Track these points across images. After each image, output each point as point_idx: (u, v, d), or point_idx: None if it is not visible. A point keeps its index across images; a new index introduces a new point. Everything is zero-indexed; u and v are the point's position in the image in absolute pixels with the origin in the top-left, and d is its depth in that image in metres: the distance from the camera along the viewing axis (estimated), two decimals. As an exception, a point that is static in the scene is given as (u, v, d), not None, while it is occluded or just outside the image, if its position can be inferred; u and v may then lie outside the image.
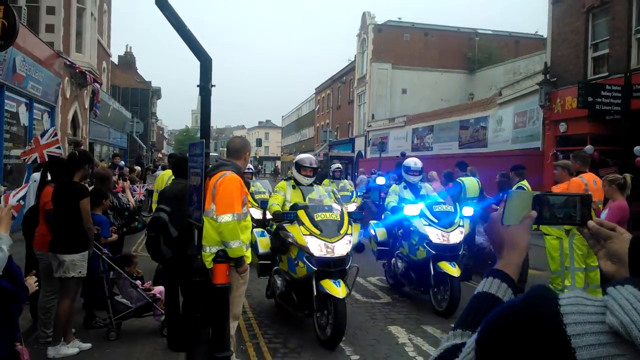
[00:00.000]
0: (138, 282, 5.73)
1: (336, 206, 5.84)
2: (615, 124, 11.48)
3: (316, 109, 50.67)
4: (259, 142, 49.86)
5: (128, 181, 11.49)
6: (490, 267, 1.09)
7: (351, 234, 5.57)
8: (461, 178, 9.13)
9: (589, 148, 12.70)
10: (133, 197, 13.55)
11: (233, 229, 4.16)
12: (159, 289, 5.84)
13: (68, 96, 16.32)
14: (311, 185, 6.21)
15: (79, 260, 4.91)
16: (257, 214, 8.44)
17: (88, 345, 5.09)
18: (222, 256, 4.24)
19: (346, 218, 5.69)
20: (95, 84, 18.22)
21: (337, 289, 5.07)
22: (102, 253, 5.49)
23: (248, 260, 4.44)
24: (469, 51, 34.26)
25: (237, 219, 4.19)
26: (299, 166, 6.21)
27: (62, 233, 4.92)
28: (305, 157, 6.46)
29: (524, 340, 0.70)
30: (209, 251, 4.30)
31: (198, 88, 4.56)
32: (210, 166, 4.48)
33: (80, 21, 16.95)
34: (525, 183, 7.91)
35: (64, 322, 4.95)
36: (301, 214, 5.53)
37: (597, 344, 0.64)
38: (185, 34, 4.49)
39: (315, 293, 5.26)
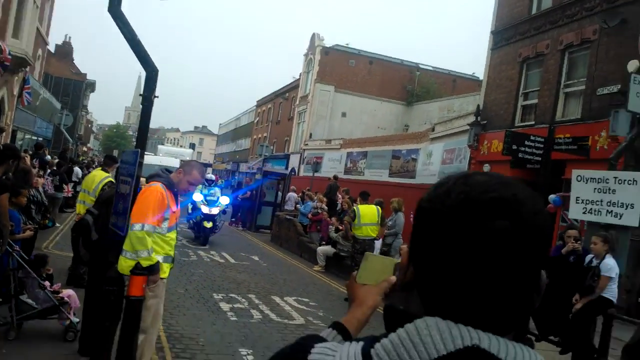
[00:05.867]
0: (47, 283, 5.46)
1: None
2: (534, 171, 12.27)
3: (255, 121, 50.49)
4: (192, 147, 48.87)
5: (43, 178, 11.10)
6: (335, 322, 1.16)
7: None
8: (358, 206, 10.36)
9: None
10: (63, 194, 13.18)
11: (141, 239, 4.08)
12: (67, 292, 5.59)
13: (-5, 80, 15.46)
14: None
15: (-13, 257, 4.64)
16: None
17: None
18: (140, 268, 4.14)
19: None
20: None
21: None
22: (13, 250, 5.22)
23: (164, 275, 4.35)
24: (409, 84, 35.45)
25: (147, 229, 4.12)
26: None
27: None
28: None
29: None
30: (127, 256, 4.20)
31: (140, 97, 4.49)
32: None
33: (21, 7, 16.14)
34: None
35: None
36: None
37: None
38: (135, 45, 4.41)
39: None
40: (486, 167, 15.54)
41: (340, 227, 11.25)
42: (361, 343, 0.80)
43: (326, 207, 14.10)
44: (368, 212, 9.89)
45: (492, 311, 0.76)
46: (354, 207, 10.20)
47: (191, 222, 13.81)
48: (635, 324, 6.05)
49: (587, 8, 13.20)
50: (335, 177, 19.20)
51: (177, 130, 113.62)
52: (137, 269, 4.16)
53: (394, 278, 1.17)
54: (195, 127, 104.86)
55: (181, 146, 64.86)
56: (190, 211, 13.80)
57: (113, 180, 7.30)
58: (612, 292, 5.97)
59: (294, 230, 14.33)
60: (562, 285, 6.14)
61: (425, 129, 23.45)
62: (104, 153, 76.58)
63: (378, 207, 10.16)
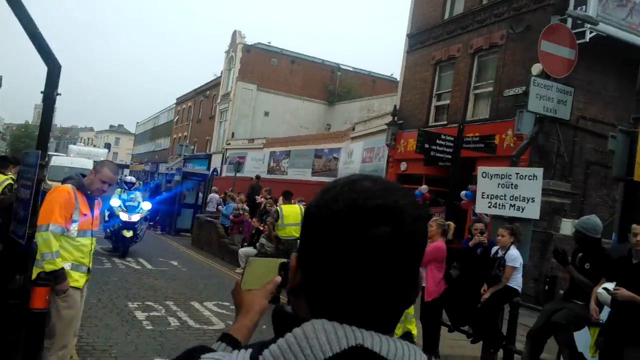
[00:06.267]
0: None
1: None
2: (447, 168, 12.84)
3: (175, 119, 49.16)
4: (107, 147, 46.84)
5: None
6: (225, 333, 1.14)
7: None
8: (281, 206, 10.18)
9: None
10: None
11: (46, 240, 3.89)
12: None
13: None
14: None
15: None
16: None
17: None
18: (43, 278, 3.92)
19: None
20: None
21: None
22: None
23: (76, 284, 4.14)
24: (330, 83, 35.92)
25: (52, 230, 3.92)
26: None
27: None
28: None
29: None
30: (38, 265, 3.99)
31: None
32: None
33: None
34: None
35: None
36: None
37: None
38: (35, 37, 4.16)
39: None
40: (403, 166, 16.09)
41: (262, 228, 11.20)
42: (250, 350, 0.81)
43: (247, 208, 14.01)
44: (291, 212, 9.85)
45: (375, 311, 0.81)
46: (277, 208, 10.13)
47: (108, 230, 12.30)
48: (539, 311, 6.49)
49: (495, 14, 13.98)
50: (258, 177, 19.15)
51: (91, 129, 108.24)
52: (40, 279, 3.94)
53: (279, 278, 1.17)
54: (111, 126, 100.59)
55: (95, 146, 61.88)
56: (107, 219, 12.37)
57: (13, 182, 6.84)
58: (517, 282, 6.29)
59: (216, 233, 14.11)
60: (471, 277, 6.47)
61: (346, 129, 23.86)
62: (11, 154, 71.50)
63: (301, 206, 10.20)
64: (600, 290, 5.16)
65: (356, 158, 20.38)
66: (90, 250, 4.27)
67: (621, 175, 6.85)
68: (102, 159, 30.52)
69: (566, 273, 6.09)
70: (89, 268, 4.28)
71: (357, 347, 0.77)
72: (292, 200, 10.46)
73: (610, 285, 4.96)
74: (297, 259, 0.89)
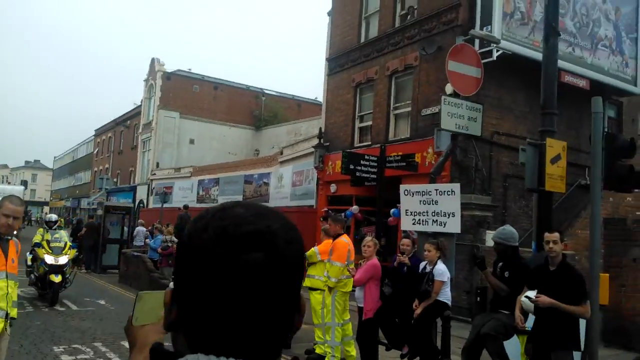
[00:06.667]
0: None
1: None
2: (373, 187, 13.17)
3: (95, 152, 47.28)
4: (24, 184, 44.20)
5: None
6: None
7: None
8: None
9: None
10: None
11: None
12: None
13: None
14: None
15: None
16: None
17: None
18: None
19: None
20: None
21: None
22: None
23: None
24: (256, 109, 35.94)
25: None
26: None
27: None
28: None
29: None
30: None
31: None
32: None
33: None
34: None
35: None
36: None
37: None
38: None
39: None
40: (333, 187, 16.30)
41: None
42: None
43: (176, 240, 13.63)
44: None
45: (254, 339, 0.79)
46: None
47: (32, 276, 11.06)
48: (470, 324, 6.72)
49: (408, 37, 14.62)
50: (186, 207, 18.74)
51: (6, 166, 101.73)
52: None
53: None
54: (27, 162, 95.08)
55: (10, 183, 58.23)
56: (30, 263, 11.13)
57: None
58: (446, 295, 6.49)
59: (144, 267, 13.59)
60: (403, 293, 6.63)
61: (274, 153, 23.89)
62: None
63: None
64: (523, 298, 5.42)
65: (286, 182, 20.43)
66: (6, 293, 4.01)
67: (533, 186, 7.27)
68: (16, 197, 28.73)
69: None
70: (7, 313, 4.01)
71: None
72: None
73: (532, 293, 5.23)
74: (172, 293, 0.85)
